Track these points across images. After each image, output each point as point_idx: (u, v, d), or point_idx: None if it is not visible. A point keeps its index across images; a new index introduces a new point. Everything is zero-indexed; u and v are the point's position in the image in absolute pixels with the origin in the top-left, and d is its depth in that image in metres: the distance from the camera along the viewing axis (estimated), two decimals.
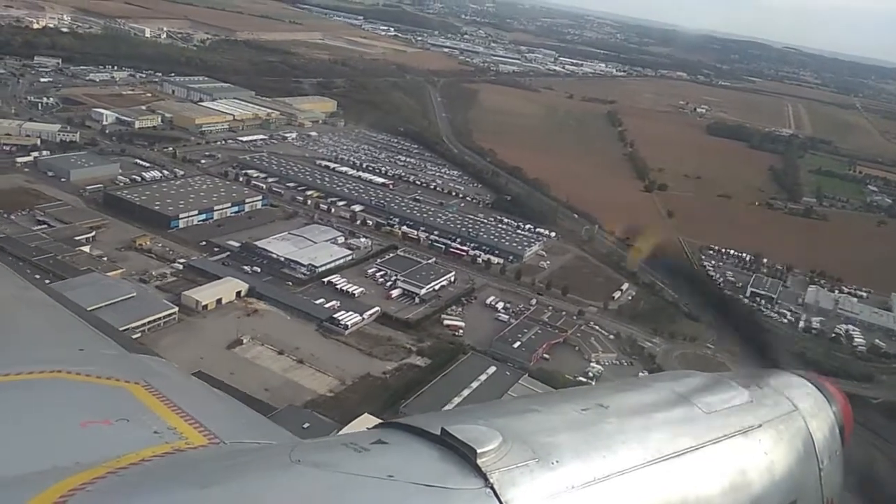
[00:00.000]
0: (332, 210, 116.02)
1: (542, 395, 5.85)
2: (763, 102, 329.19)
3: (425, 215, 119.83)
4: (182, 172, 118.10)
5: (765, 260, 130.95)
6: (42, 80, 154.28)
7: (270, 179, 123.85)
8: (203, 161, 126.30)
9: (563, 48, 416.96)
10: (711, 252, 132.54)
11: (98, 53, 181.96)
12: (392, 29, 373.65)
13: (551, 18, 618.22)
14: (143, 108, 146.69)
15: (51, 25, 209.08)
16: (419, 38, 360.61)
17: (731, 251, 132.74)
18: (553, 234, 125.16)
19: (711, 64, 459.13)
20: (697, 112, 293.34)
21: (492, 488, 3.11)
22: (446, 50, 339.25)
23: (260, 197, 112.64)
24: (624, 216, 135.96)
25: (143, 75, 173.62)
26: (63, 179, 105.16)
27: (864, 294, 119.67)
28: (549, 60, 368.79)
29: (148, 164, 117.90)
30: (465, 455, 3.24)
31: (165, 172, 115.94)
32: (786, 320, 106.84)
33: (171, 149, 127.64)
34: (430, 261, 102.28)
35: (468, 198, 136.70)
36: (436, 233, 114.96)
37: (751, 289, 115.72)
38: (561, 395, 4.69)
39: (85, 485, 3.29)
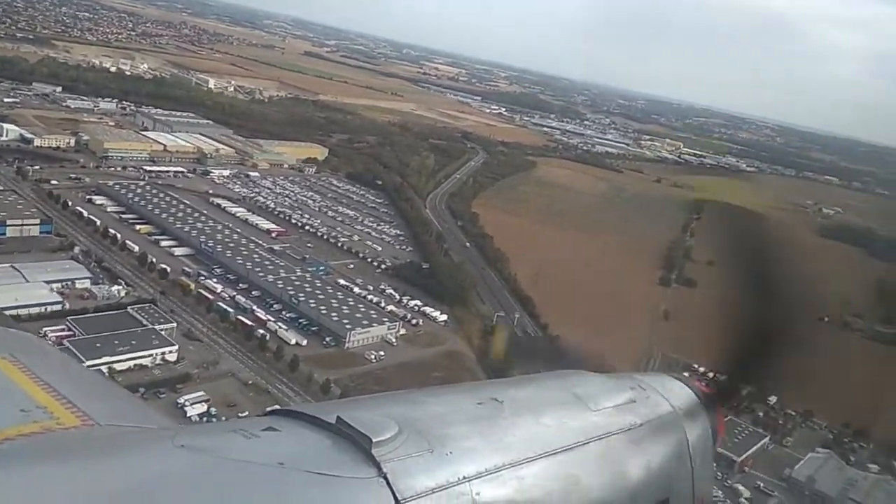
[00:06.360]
0: (137, 249, 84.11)
1: (440, 387, 4.52)
2: None
3: (260, 271, 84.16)
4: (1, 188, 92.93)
5: (771, 399, 79.04)
6: (6, 99, 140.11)
7: (111, 209, 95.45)
8: (55, 182, 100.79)
9: (694, 140, 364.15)
10: (692, 374, 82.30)
11: (117, 89, 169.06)
12: (504, 109, 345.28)
13: (704, 118, 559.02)
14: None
15: (112, 69, 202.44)
16: (525, 118, 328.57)
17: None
18: (445, 318, 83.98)
19: (882, 175, 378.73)
20: (822, 213, 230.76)
21: (385, 478, 2.91)
22: (547, 129, 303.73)
23: (37, 221, 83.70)
24: (584, 309, 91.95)
25: (134, 108, 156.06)
26: None
27: None
28: (665, 149, 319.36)
29: None
30: (359, 444, 3.00)
31: None
32: None
33: (29, 167, 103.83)
34: (162, 326, 66.05)
35: (370, 259, 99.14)
36: (255, 293, 79.09)
37: None
38: (458, 388, 4.33)
39: None
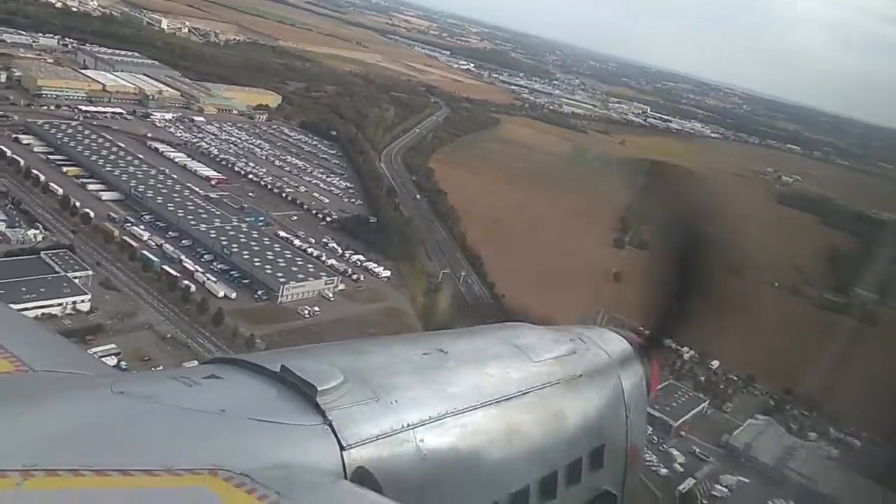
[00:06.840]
0: (61, 192, 78.95)
1: (387, 337, 4.81)
2: (879, 186, 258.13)
3: (192, 219, 79.88)
4: None
5: (714, 364, 78.48)
6: None
7: (38, 149, 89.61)
8: None
9: (661, 105, 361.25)
10: (633, 330, 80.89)
11: (61, 25, 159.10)
12: (472, 65, 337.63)
13: (674, 83, 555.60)
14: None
15: (58, 4, 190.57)
16: (494, 75, 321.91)
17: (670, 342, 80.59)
18: (388, 274, 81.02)
19: (843, 146, 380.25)
20: (781, 181, 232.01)
21: (330, 425, 3.00)
22: (515, 87, 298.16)
23: None
24: (535, 269, 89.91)
25: (76, 45, 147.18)
26: None
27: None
28: (632, 112, 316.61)
29: None
30: (304, 392, 3.07)
31: None
32: (663, 471, 55.92)
33: None
34: (76, 274, 61.94)
35: (316, 211, 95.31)
36: (185, 242, 74.98)
37: None
38: (404, 338, 4.46)
39: None
